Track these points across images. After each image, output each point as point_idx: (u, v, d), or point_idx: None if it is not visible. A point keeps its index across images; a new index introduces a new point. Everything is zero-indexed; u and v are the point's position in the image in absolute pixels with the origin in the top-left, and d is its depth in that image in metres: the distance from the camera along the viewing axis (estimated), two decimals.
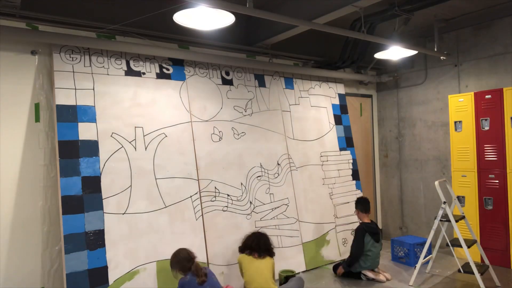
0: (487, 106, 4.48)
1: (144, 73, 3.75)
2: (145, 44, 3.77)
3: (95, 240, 3.19)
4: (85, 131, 3.32)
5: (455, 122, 4.76)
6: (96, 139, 3.36)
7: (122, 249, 3.30)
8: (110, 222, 3.29)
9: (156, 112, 3.73)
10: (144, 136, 3.62)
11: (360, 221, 4.28)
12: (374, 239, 4.13)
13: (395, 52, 4.40)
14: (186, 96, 3.97)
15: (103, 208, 3.28)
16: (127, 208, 3.40)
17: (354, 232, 4.28)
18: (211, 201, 3.89)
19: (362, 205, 4.36)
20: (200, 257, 3.65)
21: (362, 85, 6.03)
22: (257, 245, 3.54)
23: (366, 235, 4.13)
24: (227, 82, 4.32)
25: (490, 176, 4.46)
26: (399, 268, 4.55)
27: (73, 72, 3.37)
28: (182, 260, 3.13)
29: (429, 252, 4.48)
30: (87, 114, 3.37)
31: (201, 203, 3.81)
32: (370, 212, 4.40)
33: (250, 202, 4.16)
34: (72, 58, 3.40)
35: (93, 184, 3.27)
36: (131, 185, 3.46)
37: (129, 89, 3.63)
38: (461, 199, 4.68)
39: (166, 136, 3.74)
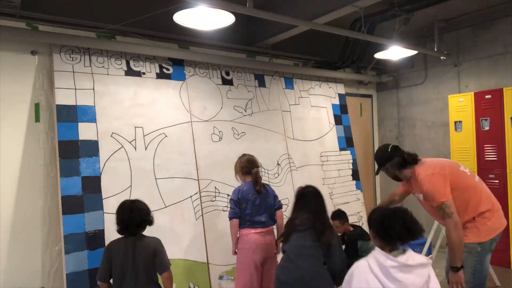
0: (487, 106, 4.47)
1: (144, 73, 3.75)
2: (145, 44, 3.77)
3: (95, 240, 3.18)
4: (85, 131, 3.32)
5: (455, 122, 4.76)
6: (96, 139, 3.36)
7: None
8: (110, 222, 3.28)
9: (156, 112, 3.73)
10: (144, 136, 3.62)
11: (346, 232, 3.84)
12: (365, 239, 4.09)
13: (395, 52, 4.39)
14: (186, 96, 3.97)
15: (103, 208, 3.28)
16: None
17: (345, 243, 3.79)
18: (211, 201, 3.88)
19: (345, 216, 4.14)
20: (200, 257, 3.66)
21: (362, 85, 6.03)
22: None
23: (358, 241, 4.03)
24: (227, 82, 4.32)
25: (490, 176, 4.45)
26: None
27: (73, 72, 3.37)
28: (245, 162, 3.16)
29: (429, 252, 4.48)
30: (87, 114, 3.37)
31: (201, 203, 3.81)
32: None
33: None
34: (72, 58, 3.39)
35: (93, 184, 3.27)
36: (131, 185, 3.46)
37: (129, 89, 3.62)
38: None
39: (166, 136, 3.74)
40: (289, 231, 2.54)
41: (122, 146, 3.48)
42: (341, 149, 5.24)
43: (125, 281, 2.46)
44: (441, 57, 5.05)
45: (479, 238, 2.42)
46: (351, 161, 5.31)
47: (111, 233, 3.26)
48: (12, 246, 3.14)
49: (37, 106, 3.30)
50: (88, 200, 3.22)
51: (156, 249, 2.56)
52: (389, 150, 2.67)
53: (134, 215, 2.54)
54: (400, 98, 5.87)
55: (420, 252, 4.41)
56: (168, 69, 3.92)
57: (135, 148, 3.55)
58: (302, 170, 4.72)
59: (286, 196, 4.47)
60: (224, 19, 2.96)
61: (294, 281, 2.37)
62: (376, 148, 6.20)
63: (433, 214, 2.55)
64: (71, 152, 3.22)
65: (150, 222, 2.65)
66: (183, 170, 3.77)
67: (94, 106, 3.41)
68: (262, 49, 4.68)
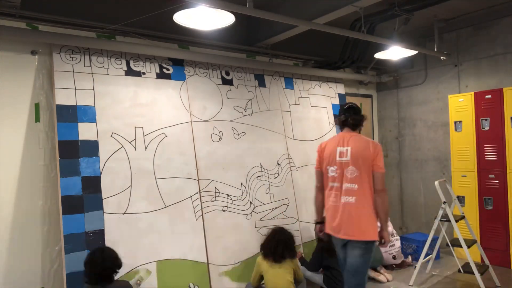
0: (487, 106, 4.48)
1: (144, 73, 3.75)
2: (145, 44, 3.77)
3: (95, 240, 3.18)
4: (85, 131, 3.32)
5: (455, 122, 4.76)
6: (96, 139, 3.36)
7: (122, 249, 3.29)
8: (110, 222, 3.29)
9: (156, 112, 3.72)
10: (144, 136, 3.62)
11: None
12: None
13: (395, 52, 4.40)
14: (186, 96, 3.97)
15: (103, 208, 3.28)
16: (127, 208, 3.40)
17: None
18: (211, 201, 3.88)
19: None
20: (200, 257, 3.66)
21: (362, 85, 6.03)
22: (275, 250, 3.33)
23: None
24: (227, 82, 4.32)
25: (490, 176, 4.46)
26: (399, 267, 4.55)
27: (73, 72, 3.37)
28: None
29: (431, 251, 4.47)
30: (87, 114, 3.37)
31: (201, 203, 3.81)
32: None
33: (250, 202, 4.16)
34: (72, 58, 3.39)
35: (93, 184, 3.27)
36: (131, 185, 3.46)
37: (129, 89, 3.63)
38: (461, 199, 4.68)
39: (166, 136, 3.74)
40: None
41: (122, 146, 3.48)
42: None
43: None
44: (441, 57, 5.06)
45: None
46: None
47: (111, 233, 3.28)
48: (12, 246, 3.14)
49: (37, 106, 3.30)
50: (88, 200, 3.22)
51: None
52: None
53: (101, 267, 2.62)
54: (400, 98, 5.87)
55: (421, 250, 4.42)
56: (168, 69, 3.92)
57: (135, 148, 3.55)
58: (302, 170, 4.72)
59: (286, 196, 4.47)
60: (224, 19, 2.96)
61: None
62: None
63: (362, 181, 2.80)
64: (71, 152, 3.22)
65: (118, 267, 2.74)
66: (183, 170, 3.77)
67: (94, 106, 3.41)
68: (262, 49, 4.68)
